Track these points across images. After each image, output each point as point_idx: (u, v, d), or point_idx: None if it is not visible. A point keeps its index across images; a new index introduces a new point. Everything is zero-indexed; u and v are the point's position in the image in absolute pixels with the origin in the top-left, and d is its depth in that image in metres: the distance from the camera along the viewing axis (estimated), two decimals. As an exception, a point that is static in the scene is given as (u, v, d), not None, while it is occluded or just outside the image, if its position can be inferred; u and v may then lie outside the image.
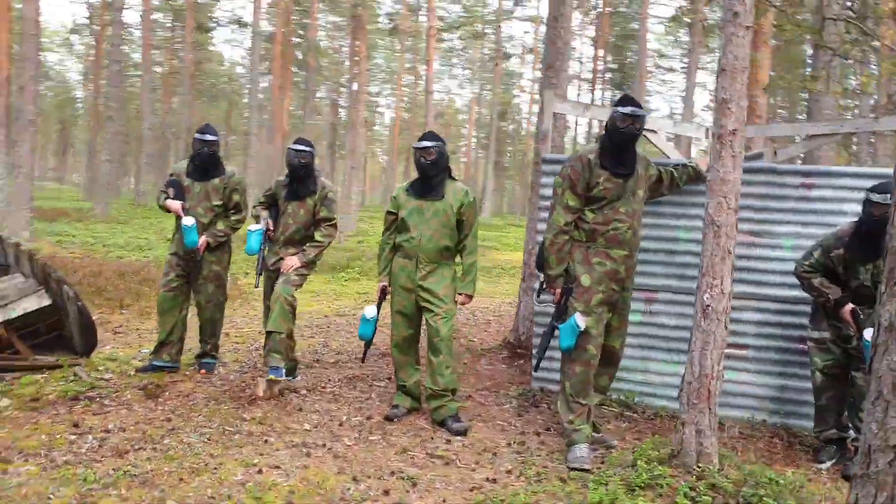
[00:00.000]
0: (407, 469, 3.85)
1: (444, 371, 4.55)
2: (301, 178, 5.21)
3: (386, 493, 3.53)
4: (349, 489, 3.54)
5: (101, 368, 5.37)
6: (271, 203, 5.42)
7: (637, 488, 3.37)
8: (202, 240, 5.19)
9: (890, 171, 4.95)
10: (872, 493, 2.06)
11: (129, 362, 5.63)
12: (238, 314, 8.48)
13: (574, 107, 5.74)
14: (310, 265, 5.25)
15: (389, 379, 5.54)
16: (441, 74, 52.69)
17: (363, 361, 5.39)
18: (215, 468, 3.69)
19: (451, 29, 29.57)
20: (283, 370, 5.00)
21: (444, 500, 3.48)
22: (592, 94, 39.00)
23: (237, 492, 3.43)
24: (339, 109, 35.94)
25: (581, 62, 40.85)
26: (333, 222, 5.32)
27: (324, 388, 5.35)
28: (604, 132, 4.36)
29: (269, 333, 5.02)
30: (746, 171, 4.58)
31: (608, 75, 35.99)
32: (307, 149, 5.17)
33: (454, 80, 54.64)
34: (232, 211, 5.44)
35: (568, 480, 3.72)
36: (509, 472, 3.90)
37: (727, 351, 3.91)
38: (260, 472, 3.69)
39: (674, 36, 34.45)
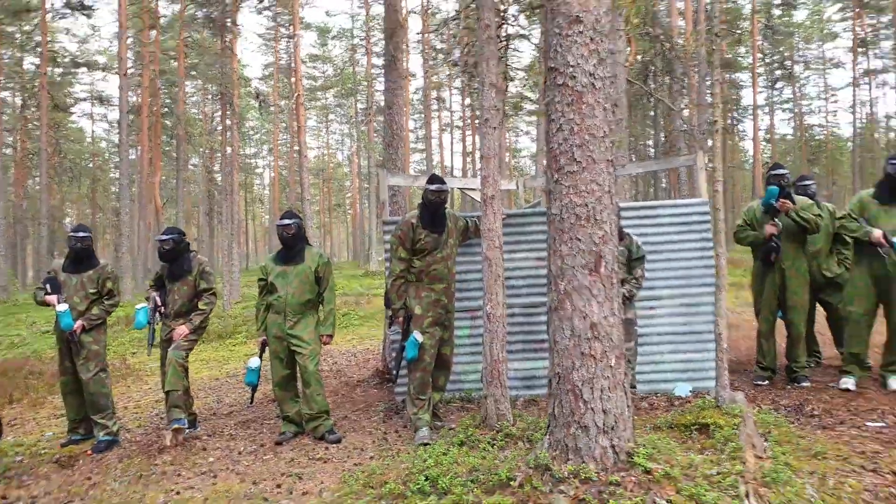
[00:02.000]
0: (294, 470, 5.10)
1: (316, 398, 5.88)
2: (173, 260, 6.32)
3: (278, 486, 4.77)
4: (250, 490, 4.75)
5: (10, 454, 6.04)
6: (160, 284, 6.51)
7: (456, 445, 4.83)
8: (78, 323, 6.03)
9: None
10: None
11: (36, 444, 6.34)
12: (133, 390, 9.22)
13: (405, 178, 7.32)
14: (197, 331, 6.34)
15: (277, 417, 6.70)
16: (318, 130, 53.99)
17: (251, 403, 6.57)
18: (140, 499, 4.73)
19: (323, 89, 30.82)
20: (185, 420, 6.07)
21: (321, 483, 4.78)
22: (463, 140, 42.00)
23: (162, 510, 4.53)
24: (215, 175, 36.28)
25: (451, 111, 44.10)
26: (213, 291, 6.44)
27: (222, 431, 6.43)
28: (421, 202, 5.92)
29: (167, 393, 6.06)
30: (528, 214, 6.43)
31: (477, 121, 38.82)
32: (169, 237, 6.29)
33: (333, 134, 56.01)
34: (106, 297, 6.29)
35: (412, 453, 5.12)
36: (372, 457, 5.25)
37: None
38: (178, 493, 4.80)
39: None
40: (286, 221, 6.01)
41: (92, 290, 6.19)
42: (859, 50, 34.74)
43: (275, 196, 44.14)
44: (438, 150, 45.11)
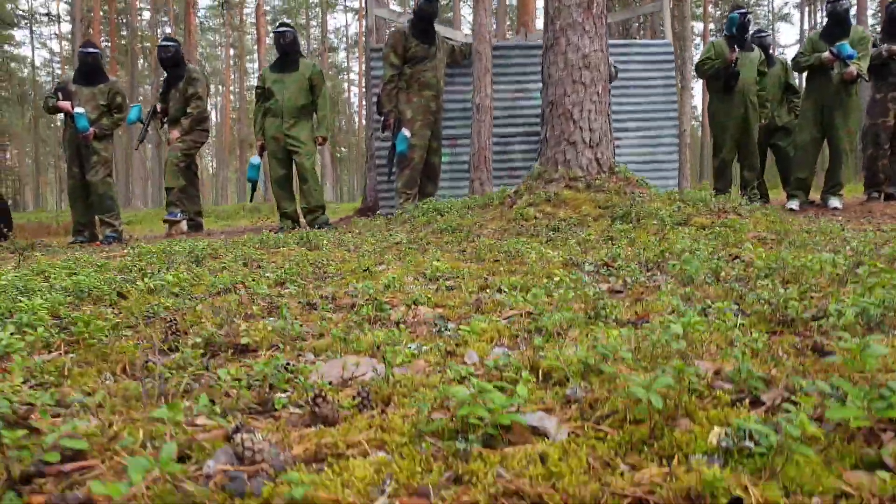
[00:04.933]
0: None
1: (313, 192, 6.26)
2: (173, 66, 6.54)
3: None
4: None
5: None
6: (166, 98, 6.77)
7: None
8: (91, 129, 6.23)
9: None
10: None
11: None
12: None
13: (390, 13, 7.65)
14: (191, 133, 6.57)
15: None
16: (268, 69, 52.57)
17: (251, 201, 6.91)
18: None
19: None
20: (178, 213, 6.39)
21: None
22: None
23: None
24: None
25: None
26: (198, 95, 6.59)
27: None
28: (413, 14, 6.28)
29: (166, 190, 6.40)
30: (510, 47, 6.86)
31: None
32: (170, 43, 6.54)
33: (283, 73, 54.46)
34: (115, 111, 6.49)
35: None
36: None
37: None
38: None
39: None
40: (283, 29, 6.29)
41: (103, 103, 6.39)
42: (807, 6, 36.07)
43: (225, 133, 43.32)
44: None
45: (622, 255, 2.55)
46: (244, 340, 1.44)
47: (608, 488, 0.66)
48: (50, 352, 1.45)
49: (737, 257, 2.39)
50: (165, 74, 6.72)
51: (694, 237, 3.01)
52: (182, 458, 0.82)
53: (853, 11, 6.01)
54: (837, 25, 6.63)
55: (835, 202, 6.70)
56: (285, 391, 1.11)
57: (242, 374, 1.11)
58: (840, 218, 5.40)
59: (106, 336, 1.50)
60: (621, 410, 0.85)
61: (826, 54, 6.41)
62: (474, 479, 0.71)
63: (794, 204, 6.76)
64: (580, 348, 1.10)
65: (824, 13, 6.77)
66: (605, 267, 2.39)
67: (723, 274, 2.01)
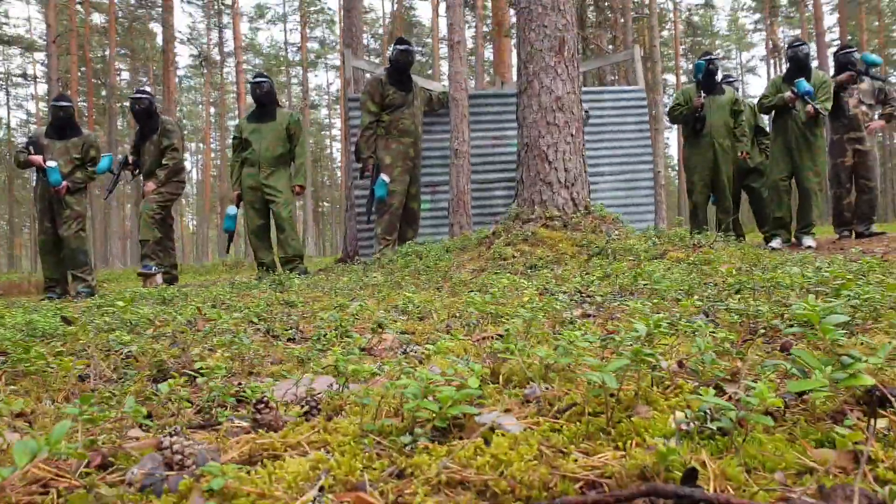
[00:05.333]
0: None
1: (290, 242, 6.21)
2: (146, 118, 6.45)
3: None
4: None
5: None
6: (138, 151, 6.69)
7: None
8: (64, 183, 6.18)
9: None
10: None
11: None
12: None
13: (368, 64, 7.79)
14: (167, 185, 6.48)
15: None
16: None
17: (227, 252, 6.83)
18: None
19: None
20: (153, 266, 6.27)
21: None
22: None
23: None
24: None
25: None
26: (174, 147, 6.50)
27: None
28: (389, 62, 6.40)
29: (140, 242, 6.30)
30: (486, 96, 6.98)
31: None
32: (143, 95, 6.49)
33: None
34: (89, 164, 6.44)
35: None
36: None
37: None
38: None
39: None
40: (259, 80, 6.36)
41: (76, 156, 6.33)
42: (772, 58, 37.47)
43: (206, 191, 43.35)
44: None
45: (596, 282, 2.52)
46: (198, 365, 1.38)
47: (558, 472, 0.61)
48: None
49: (709, 280, 2.38)
50: (138, 127, 6.68)
51: (668, 267, 3.00)
52: (105, 467, 0.75)
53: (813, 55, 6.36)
54: (798, 69, 6.85)
55: (808, 241, 6.78)
56: (230, 406, 1.05)
57: (186, 393, 1.05)
58: (813, 254, 5.47)
59: (50, 367, 1.43)
60: (580, 404, 0.81)
61: (787, 94, 6.61)
62: (417, 472, 0.66)
63: (777, 243, 6.82)
64: (542, 349, 1.05)
65: (786, 58, 7.00)
66: (579, 294, 2.35)
67: (696, 295, 1.98)
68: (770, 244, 6.85)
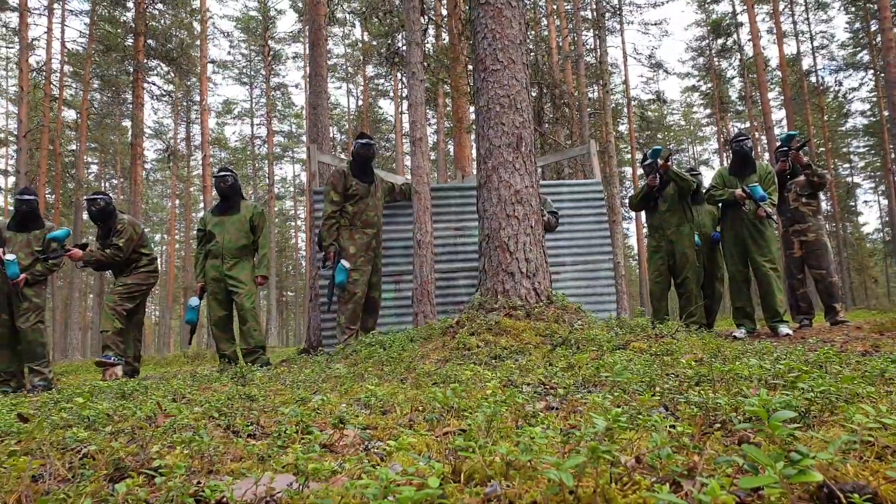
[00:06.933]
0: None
1: (252, 333, 6.12)
2: (104, 220, 6.44)
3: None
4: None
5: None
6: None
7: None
8: (22, 276, 6.12)
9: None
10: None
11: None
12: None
13: (333, 158, 7.98)
14: (130, 289, 6.40)
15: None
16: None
17: (189, 344, 6.66)
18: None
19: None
20: (112, 357, 6.08)
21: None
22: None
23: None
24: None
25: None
26: (118, 246, 6.40)
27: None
28: (351, 156, 6.58)
29: (101, 333, 6.14)
30: (447, 189, 7.18)
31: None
32: (99, 197, 6.45)
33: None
34: (51, 255, 6.38)
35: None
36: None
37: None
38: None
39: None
40: (223, 174, 6.45)
41: (37, 248, 6.30)
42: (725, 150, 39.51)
43: (169, 286, 42.70)
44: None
45: (559, 373, 2.54)
46: (156, 463, 1.34)
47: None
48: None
49: (670, 371, 2.42)
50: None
51: (630, 358, 3.04)
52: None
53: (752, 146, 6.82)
54: (742, 162, 7.22)
55: (784, 329, 6.66)
56: (187, 509, 1.01)
57: (145, 493, 1.02)
58: (777, 344, 5.57)
59: (3, 468, 1.37)
60: (540, 502, 0.81)
61: (738, 191, 6.92)
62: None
63: (740, 333, 6.85)
64: (504, 445, 1.06)
65: (730, 150, 7.43)
66: (542, 385, 2.37)
67: (657, 387, 2.01)
68: (734, 334, 6.90)
